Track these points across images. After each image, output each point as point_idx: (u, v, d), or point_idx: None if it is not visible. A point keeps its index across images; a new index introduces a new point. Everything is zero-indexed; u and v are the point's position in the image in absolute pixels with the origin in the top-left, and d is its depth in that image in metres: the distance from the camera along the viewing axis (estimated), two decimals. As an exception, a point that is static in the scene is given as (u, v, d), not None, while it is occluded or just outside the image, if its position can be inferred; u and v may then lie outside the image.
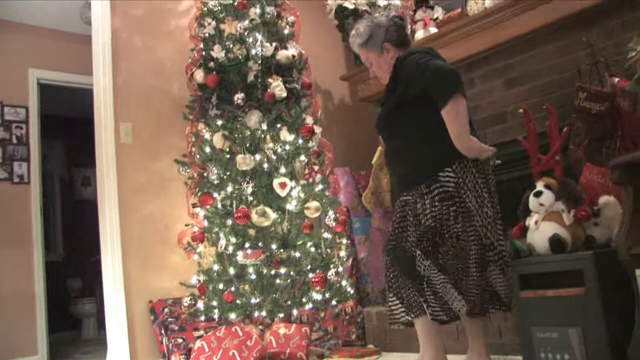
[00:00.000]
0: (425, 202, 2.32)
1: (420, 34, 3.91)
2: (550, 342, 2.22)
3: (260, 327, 3.24)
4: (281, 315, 3.25)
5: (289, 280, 3.21)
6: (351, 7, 4.17)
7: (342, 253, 3.47)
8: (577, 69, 3.00)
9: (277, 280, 3.21)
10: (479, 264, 2.26)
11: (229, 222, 3.24)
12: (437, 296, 2.28)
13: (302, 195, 3.33)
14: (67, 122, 6.80)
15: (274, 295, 3.17)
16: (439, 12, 3.93)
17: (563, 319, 2.15)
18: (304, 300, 3.28)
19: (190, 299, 3.32)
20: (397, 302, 2.39)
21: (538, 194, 2.32)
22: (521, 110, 2.70)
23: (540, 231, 2.30)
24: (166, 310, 3.49)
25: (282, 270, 3.19)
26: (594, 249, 2.23)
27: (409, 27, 4.02)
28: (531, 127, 2.59)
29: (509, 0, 3.42)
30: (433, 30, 3.85)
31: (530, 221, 2.39)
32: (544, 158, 2.49)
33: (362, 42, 2.63)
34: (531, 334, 2.29)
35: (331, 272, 3.27)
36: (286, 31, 3.62)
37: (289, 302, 3.24)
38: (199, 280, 3.30)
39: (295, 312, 3.30)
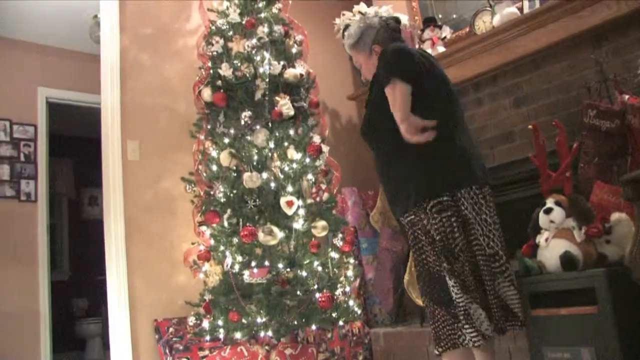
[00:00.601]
0: (429, 216, 2.18)
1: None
2: (562, 363, 2.17)
3: (267, 347, 3.20)
4: (287, 335, 3.20)
5: (295, 300, 3.16)
6: (359, 26, 4.18)
7: (350, 273, 3.43)
8: (586, 87, 3.00)
9: (284, 300, 3.17)
10: (488, 277, 2.14)
11: (235, 240, 3.22)
12: (468, 318, 2.11)
13: (308, 214, 3.30)
14: (75, 142, 6.84)
15: (281, 315, 3.13)
16: (446, 32, 3.94)
17: (575, 339, 2.11)
18: (310, 320, 3.23)
19: (196, 318, 3.28)
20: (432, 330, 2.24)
21: (548, 211, 2.29)
22: (530, 127, 2.68)
23: (550, 249, 2.26)
24: (171, 329, 3.45)
25: (289, 289, 3.15)
26: (606, 267, 2.19)
27: (416, 45, 4.05)
28: (540, 144, 2.57)
29: (517, 19, 3.43)
30: (441, 49, 3.86)
31: (541, 239, 2.35)
32: (554, 175, 2.46)
33: (352, 43, 2.56)
34: (542, 355, 2.24)
35: (338, 292, 3.23)
36: (294, 50, 3.62)
37: (296, 322, 3.19)
38: (205, 299, 3.27)
39: (301, 332, 3.25)
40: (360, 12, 4.20)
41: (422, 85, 2.19)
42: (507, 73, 3.59)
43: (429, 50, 3.91)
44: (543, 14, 3.36)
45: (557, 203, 2.30)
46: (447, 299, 2.16)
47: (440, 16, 4.18)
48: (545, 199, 2.41)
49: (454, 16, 4.11)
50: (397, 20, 2.60)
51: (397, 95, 2.10)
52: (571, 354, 2.12)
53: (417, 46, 4.08)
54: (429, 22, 4.03)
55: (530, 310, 2.29)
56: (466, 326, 2.11)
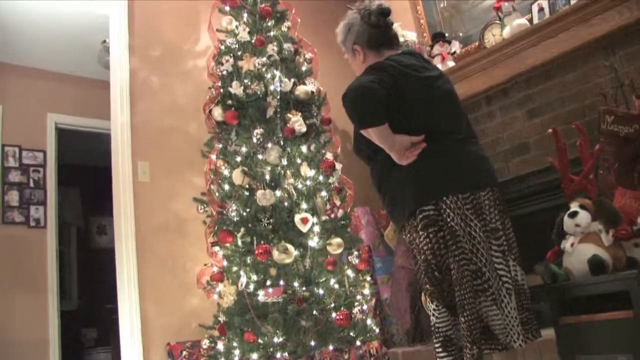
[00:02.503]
0: (419, 234, 2.07)
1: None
2: (598, 371, 2.08)
3: (283, 368, 3.12)
4: (304, 356, 3.12)
5: (312, 320, 3.09)
6: (367, 44, 4.18)
7: (366, 291, 3.36)
8: (601, 93, 2.97)
9: (301, 320, 3.10)
10: (470, 295, 1.97)
11: (249, 260, 3.16)
12: (445, 345, 2.02)
13: (323, 231, 3.25)
14: (84, 170, 6.82)
15: (298, 335, 3.06)
16: (456, 46, 3.94)
17: (611, 345, 2.02)
18: (327, 339, 3.15)
19: (210, 341, 3.21)
20: (444, 354, 2.10)
21: (573, 215, 2.23)
22: (550, 131, 2.64)
23: (577, 254, 2.19)
24: (185, 353, 3.38)
25: (305, 308, 3.08)
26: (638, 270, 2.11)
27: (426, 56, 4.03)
28: (562, 148, 2.52)
29: (527, 30, 3.42)
30: (451, 64, 3.84)
31: (566, 244, 2.28)
32: (577, 179, 2.41)
33: (339, 41, 2.47)
34: (575, 364, 2.16)
35: (356, 310, 3.16)
36: (304, 67, 3.62)
37: (313, 342, 3.12)
38: (219, 321, 3.20)
39: (317, 354, 3.17)
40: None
41: (400, 96, 2.09)
42: (519, 85, 3.57)
43: (439, 66, 3.90)
44: (553, 24, 3.36)
45: (582, 207, 2.24)
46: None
47: (446, 35, 4.18)
48: (569, 203, 2.35)
49: (460, 34, 4.11)
50: (380, 13, 2.34)
51: (374, 137, 2.07)
52: (607, 362, 2.04)
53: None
54: (438, 37, 4.03)
55: (560, 318, 2.21)
56: (442, 354, 2.03)
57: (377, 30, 2.33)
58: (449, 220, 2.01)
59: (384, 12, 2.35)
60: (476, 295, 1.99)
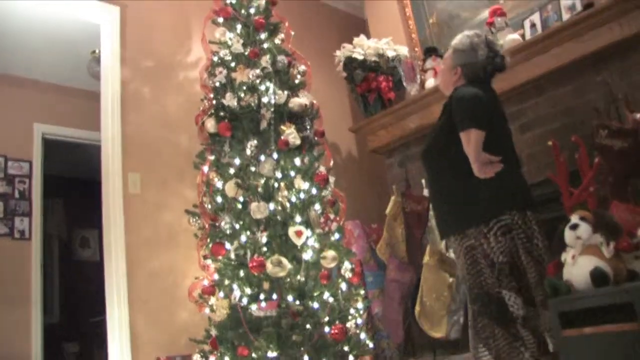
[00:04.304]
0: (490, 240, 2.31)
1: (430, 82, 3.93)
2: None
3: (276, 383, 3.07)
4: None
5: (307, 333, 3.05)
6: (360, 58, 4.20)
7: (359, 305, 3.34)
8: (594, 108, 3.00)
9: (294, 335, 3.06)
10: (545, 301, 2.23)
11: (242, 273, 3.12)
12: (535, 333, 2.24)
13: (317, 244, 3.23)
14: (68, 182, 6.72)
15: (292, 349, 3.02)
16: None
17: (616, 357, 2.02)
18: (321, 354, 3.12)
19: (201, 356, 3.16)
20: (487, 352, 2.32)
21: (574, 227, 2.24)
22: (550, 143, 2.65)
23: (578, 266, 2.19)
24: (175, 367, 3.32)
25: (299, 322, 3.05)
26: (640, 282, 2.12)
27: (418, 77, 4.06)
28: (561, 161, 2.54)
29: (519, 45, 3.45)
30: (442, 78, 3.85)
31: (567, 256, 2.28)
32: (576, 191, 2.43)
33: (452, 50, 2.64)
34: (579, 378, 2.15)
35: (350, 324, 3.14)
36: (297, 80, 3.61)
37: (306, 357, 3.08)
38: (211, 335, 3.15)
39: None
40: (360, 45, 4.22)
41: (491, 125, 2.38)
42: (511, 99, 3.58)
43: (432, 80, 3.92)
44: (545, 40, 3.39)
45: (583, 219, 2.25)
46: (508, 318, 2.26)
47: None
48: (568, 215, 2.36)
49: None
50: (501, 67, 2.61)
51: (472, 141, 2.30)
52: (613, 375, 2.03)
53: (418, 76, 4.10)
54: (431, 52, 4.05)
55: (562, 331, 2.20)
56: (529, 341, 2.24)
57: (482, 72, 2.57)
58: (525, 229, 2.32)
59: (501, 68, 2.61)
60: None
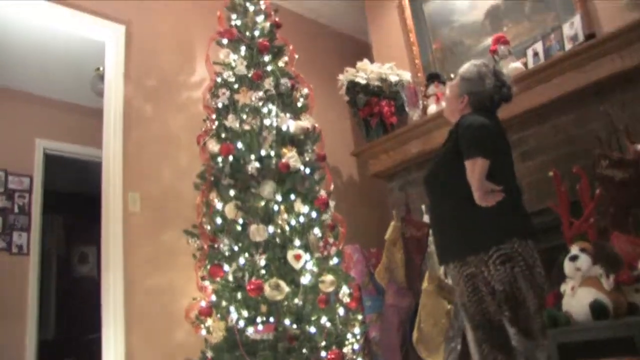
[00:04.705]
0: (490, 268, 2.29)
1: (432, 108, 3.94)
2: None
3: (272, 408, 3.04)
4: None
5: (303, 357, 3.03)
6: (363, 82, 4.21)
7: (357, 330, 3.31)
8: (596, 137, 3.00)
9: (290, 359, 3.04)
10: (542, 330, 2.18)
11: (240, 295, 3.10)
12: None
13: (316, 268, 3.21)
14: (68, 198, 6.71)
15: (287, 374, 2.99)
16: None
17: (615, 393, 2.01)
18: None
19: (197, 378, 3.13)
20: None
21: (574, 258, 2.24)
22: (551, 174, 2.65)
23: (578, 297, 2.19)
24: (170, 389, 3.29)
25: (296, 346, 3.02)
26: (640, 316, 2.11)
27: (420, 102, 4.07)
28: (562, 191, 2.53)
29: (521, 74, 3.47)
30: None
31: (566, 287, 2.28)
32: (577, 222, 2.42)
33: (460, 77, 2.64)
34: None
35: (347, 349, 3.11)
36: (300, 103, 3.62)
37: (302, 382, 3.05)
38: (207, 357, 3.12)
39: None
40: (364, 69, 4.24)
41: (495, 155, 2.36)
42: (513, 127, 3.59)
43: (434, 106, 3.94)
44: (548, 69, 3.41)
45: (583, 250, 2.25)
46: (510, 347, 2.24)
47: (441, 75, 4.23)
48: (568, 246, 2.35)
49: (452, 75, 4.14)
50: (506, 88, 2.60)
51: (477, 170, 2.28)
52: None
53: (420, 101, 4.11)
54: (433, 78, 4.07)
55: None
56: None
57: (488, 101, 2.56)
58: (526, 257, 2.27)
59: (508, 98, 2.59)
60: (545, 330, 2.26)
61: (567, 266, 2.27)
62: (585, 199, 2.46)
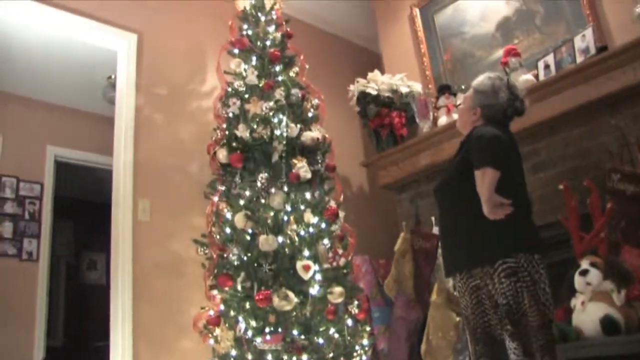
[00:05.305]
0: (494, 281, 2.29)
1: (443, 120, 3.93)
2: None
3: (279, 419, 3.03)
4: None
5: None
6: (374, 93, 4.22)
7: (365, 341, 3.30)
8: (608, 150, 2.98)
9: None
10: (545, 346, 2.16)
11: (248, 305, 3.10)
12: None
13: (325, 279, 3.21)
14: (78, 204, 6.75)
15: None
16: (461, 99, 3.96)
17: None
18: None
19: (204, 387, 3.13)
20: None
21: (584, 273, 2.22)
22: (561, 187, 2.64)
23: (588, 312, 2.17)
24: (177, 399, 3.28)
25: (304, 357, 3.01)
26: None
27: (430, 114, 4.07)
28: (572, 204, 2.52)
29: (533, 86, 3.46)
30: (456, 116, 3.86)
31: (576, 302, 2.26)
32: (587, 236, 2.40)
33: (473, 90, 2.65)
34: None
35: (355, 361, 3.10)
36: (310, 114, 3.62)
37: (310, 393, 3.04)
38: (215, 367, 3.12)
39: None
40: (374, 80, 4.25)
41: (506, 167, 2.37)
42: (524, 139, 3.56)
43: (444, 117, 3.93)
44: (559, 81, 3.40)
45: (593, 264, 2.23)
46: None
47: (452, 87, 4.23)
48: (578, 261, 2.34)
49: (463, 87, 4.14)
50: (521, 111, 2.63)
51: (486, 180, 2.28)
52: None
53: (431, 113, 4.11)
54: (444, 89, 4.07)
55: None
56: None
57: (500, 115, 2.58)
58: (531, 272, 2.27)
59: (521, 112, 2.62)
60: (553, 346, 2.23)
61: (577, 281, 2.26)
62: (596, 213, 2.44)
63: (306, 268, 3.12)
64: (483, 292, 2.35)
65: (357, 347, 3.22)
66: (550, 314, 2.25)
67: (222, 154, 3.40)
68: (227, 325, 3.14)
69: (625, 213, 2.69)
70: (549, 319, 2.24)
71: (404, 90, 4.29)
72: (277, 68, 3.61)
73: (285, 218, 3.24)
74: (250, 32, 3.68)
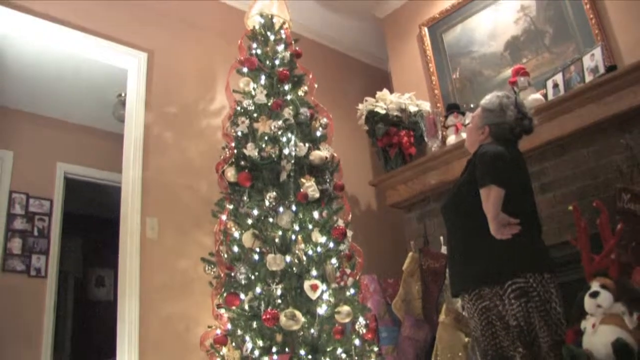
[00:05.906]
0: (505, 302, 2.27)
1: (452, 139, 3.93)
2: None
3: None
4: None
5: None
6: (382, 112, 4.22)
7: (373, 362, 3.27)
8: (618, 169, 2.96)
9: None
10: None
11: (255, 324, 3.09)
12: None
13: (332, 299, 3.19)
14: (86, 220, 6.77)
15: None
16: (470, 118, 3.95)
17: None
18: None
19: (210, 407, 3.11)
20: None
21: (595, 295, 2.19)
22: (570, 208, 2.62)
23: (599, 335, 2.14)
24: (183, 418, 3.26)
25: (311, 378, 2.99)
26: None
27: (439, 133, 4.06)
28: (582, 225, 2.50)
29: (541, 105, 3.45)
30: (465, 135, 3.85)
31: (587, 324, 2.23)
32: (598, 257, 2.38)
33: (482, 108, 2.65)
34: None
35: (363, 382, 3.07)
36: (319, 133, 3.62)
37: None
38: (221, 386, 3.10)
39: None
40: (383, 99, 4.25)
41: (513, 186, 2.37)
42: (533, 158, 3.57)
43: (453, 136, 3.93)
44: (568, 101, 3.39)
45: (603, 286, 2.21)
46: None
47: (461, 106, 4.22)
48: (589, 282, 2.31)
49: (472, 105, 4.14)
50: (527, 119, 2.61)
51: (492, 198, 2.29)
52: None
53: (439, 132, 4.11)
54: (453, 108, 4.07)
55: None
56: None
57: (508, 132, 2.57)
58: (541, 292, 2.23)
59: (529, 130, 2.61)
60: None
61: (588, 303, 2.23)
62: (606, 233, 2.42)
63: (314, 287, 3.10)
64: (493, 313, 2.33)
65: (364, 368, 3.19)
66: (562, 334, 2.22)
67: (231, 173, 3.41)
68: (234, 344, 3.13)
69: (636, 233, 2.67)
70: (561, 339, 2.21)
71: (412, 109, 4.29)
72: (286, 87, 3.62)
73: (293, 237, 3.24)
74: (259, 51, 3.70)
